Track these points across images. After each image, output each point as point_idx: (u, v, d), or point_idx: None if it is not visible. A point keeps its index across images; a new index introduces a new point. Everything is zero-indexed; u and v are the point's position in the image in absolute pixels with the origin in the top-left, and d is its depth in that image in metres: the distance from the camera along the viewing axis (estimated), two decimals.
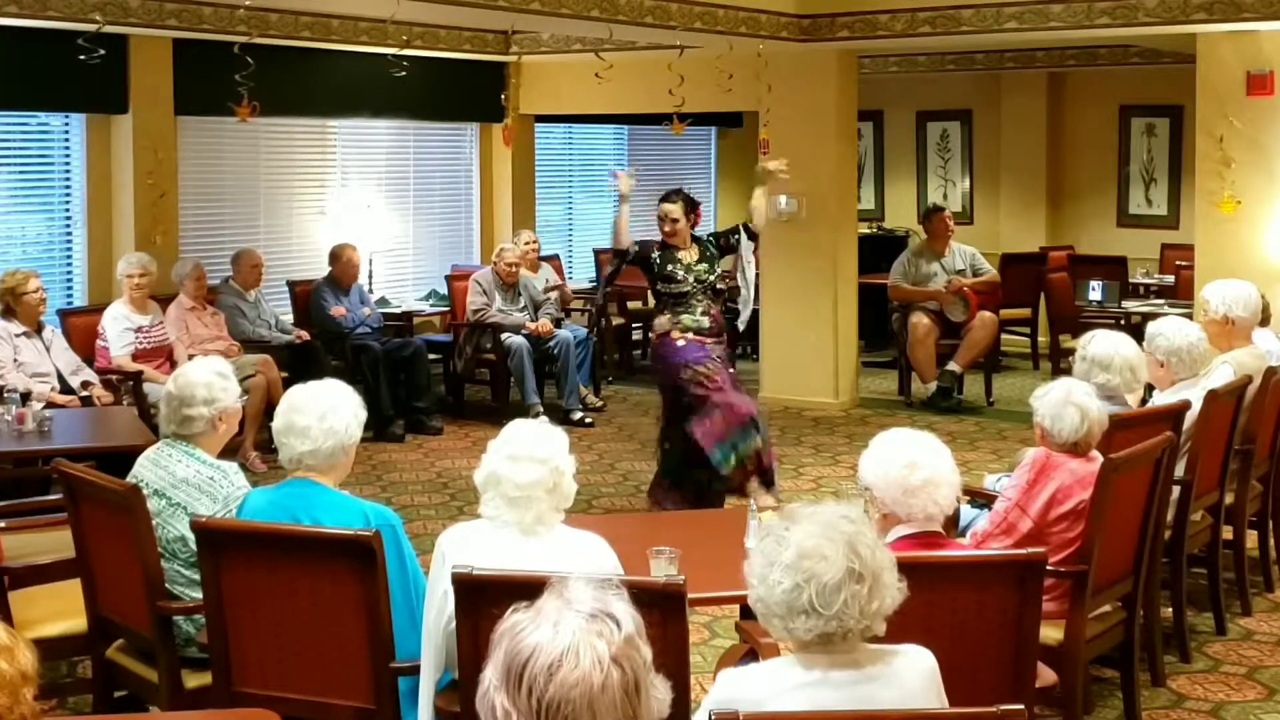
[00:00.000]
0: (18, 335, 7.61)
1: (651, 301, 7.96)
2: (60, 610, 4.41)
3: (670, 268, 7.28)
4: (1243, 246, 9.20)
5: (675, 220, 7.29)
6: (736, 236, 7.52)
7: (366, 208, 11.07)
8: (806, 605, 2.56)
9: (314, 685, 3.74)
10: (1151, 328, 5.82)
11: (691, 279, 7.28)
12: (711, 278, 7.33)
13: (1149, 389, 5.81)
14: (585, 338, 10.44)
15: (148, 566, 3.94)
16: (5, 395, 6.70)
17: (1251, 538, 6.15)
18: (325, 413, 3.89)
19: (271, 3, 8.83)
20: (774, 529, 2.68)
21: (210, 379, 4.29)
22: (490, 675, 1.93)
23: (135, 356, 8.25)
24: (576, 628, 1.91)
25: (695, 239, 7.41)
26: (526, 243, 10.73)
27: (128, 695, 4.28)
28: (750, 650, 3.95)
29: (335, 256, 9.94)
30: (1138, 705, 4.73)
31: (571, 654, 1.89)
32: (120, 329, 8.29)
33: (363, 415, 4.02)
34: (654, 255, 7.31)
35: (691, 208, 7.37)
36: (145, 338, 8.36)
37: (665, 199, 7.40)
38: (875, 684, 2.62)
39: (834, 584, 2.56)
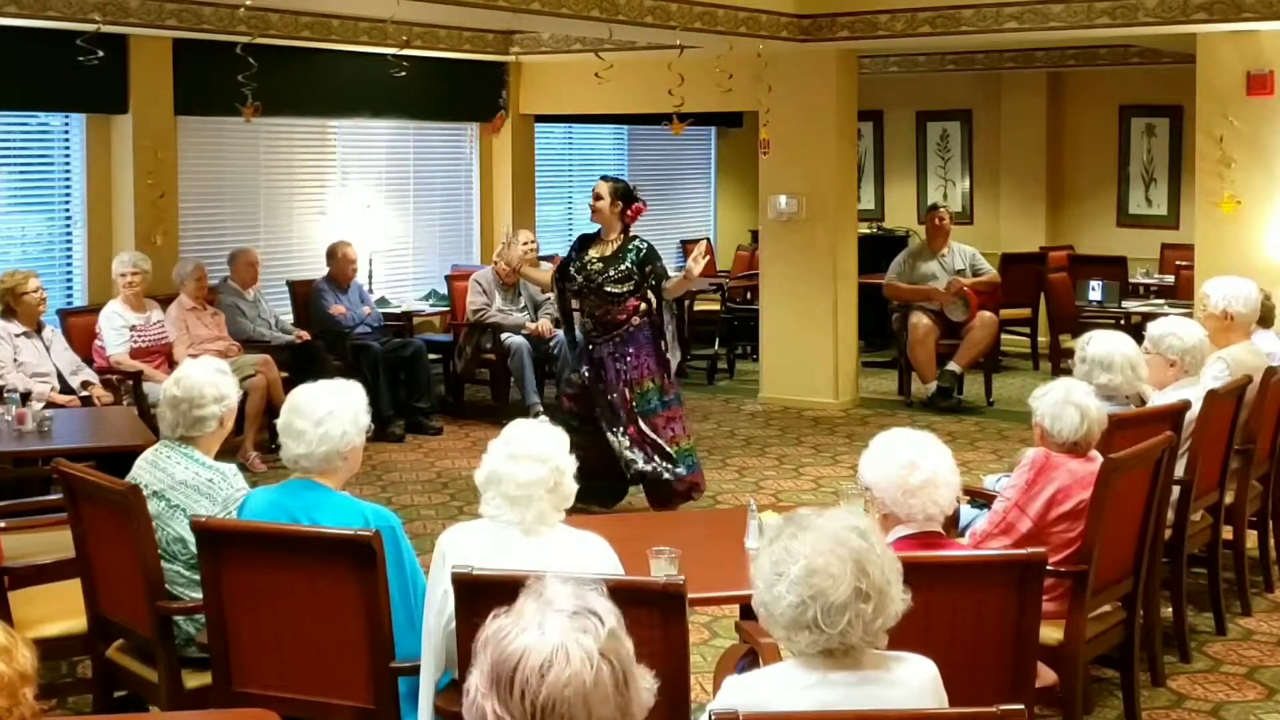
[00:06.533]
0: (18, 335, 7.60)
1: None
2: (60, 610, 4.41)
3: (571, 269, 7.29)
4: (1243, 246, 9.19)
5: (599, 198, 7.21)
6: (656, 285, 7.24)
7: (366, 208, 11.06)
8: (810, 622, 2.54)
9: (314, 685, 3.75)
10: (1156, 329, 5.75)
11: (581, 278, 7.23)
12: (600, 278, 7.15)
13: None
14: None
15: (148, 567, 3.94)
16: (5, 395, 6.70)
17: (1251, 538, 6.15)
18: (322, 418, 3.87)
19: (272, 3, 8.82)
20: (782, 533, 2.65)
21: (215, 377, 4.30)
22: (477, 683, 1.93)
23: (132, 354, 8.26)
24: (561, 626, 1.92)
25: (626, 243, 7.21)
26: (524, 243, 10.70)
27: (128, 695, 4.28)
28: (750, 650, 3.95)
29: (332, 254, 9.95)
30: (1138, 705, 4.73)
31: (561, 653, 1.89)
32: (115, 327, 8.30)
33: (364, 420, 3.97)
34: (571, 263, 7.32)
35: (622, 197, 7.20)
36: (141, 335, 8.36)
37: (601, 179, 7.38)
38: (879, 686, 2.61)
39: (840, 604, 2.53)
